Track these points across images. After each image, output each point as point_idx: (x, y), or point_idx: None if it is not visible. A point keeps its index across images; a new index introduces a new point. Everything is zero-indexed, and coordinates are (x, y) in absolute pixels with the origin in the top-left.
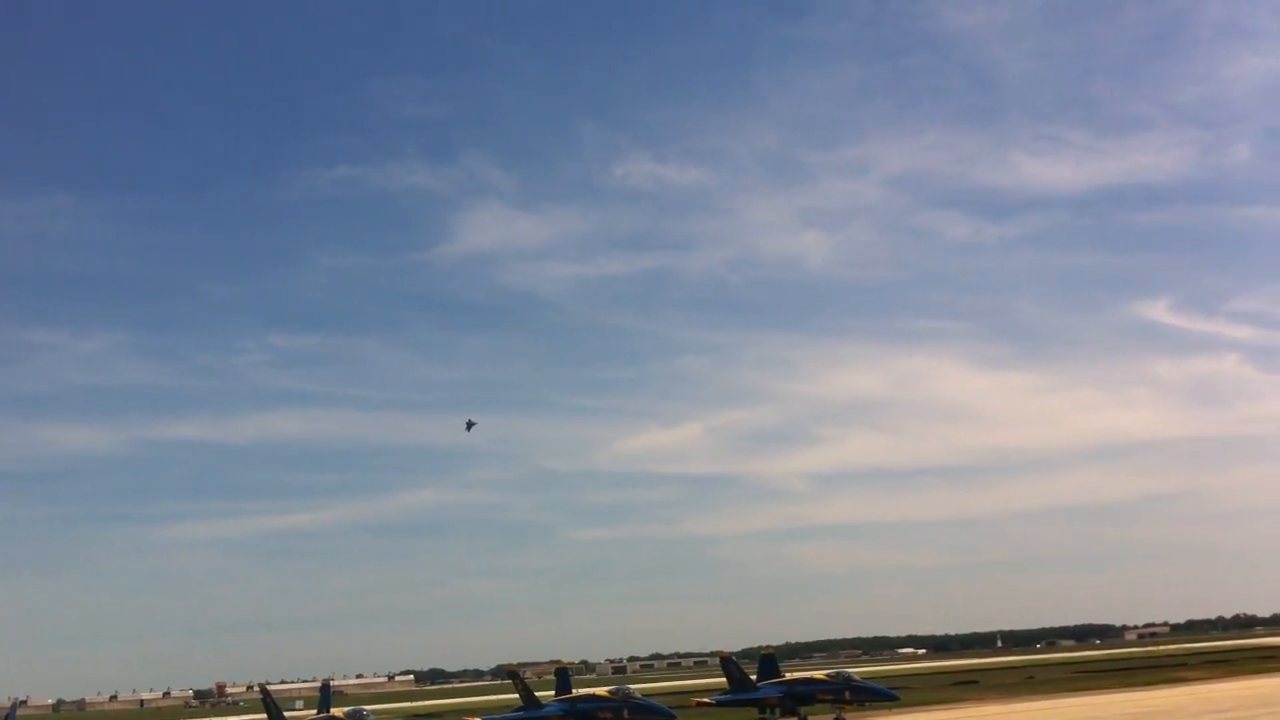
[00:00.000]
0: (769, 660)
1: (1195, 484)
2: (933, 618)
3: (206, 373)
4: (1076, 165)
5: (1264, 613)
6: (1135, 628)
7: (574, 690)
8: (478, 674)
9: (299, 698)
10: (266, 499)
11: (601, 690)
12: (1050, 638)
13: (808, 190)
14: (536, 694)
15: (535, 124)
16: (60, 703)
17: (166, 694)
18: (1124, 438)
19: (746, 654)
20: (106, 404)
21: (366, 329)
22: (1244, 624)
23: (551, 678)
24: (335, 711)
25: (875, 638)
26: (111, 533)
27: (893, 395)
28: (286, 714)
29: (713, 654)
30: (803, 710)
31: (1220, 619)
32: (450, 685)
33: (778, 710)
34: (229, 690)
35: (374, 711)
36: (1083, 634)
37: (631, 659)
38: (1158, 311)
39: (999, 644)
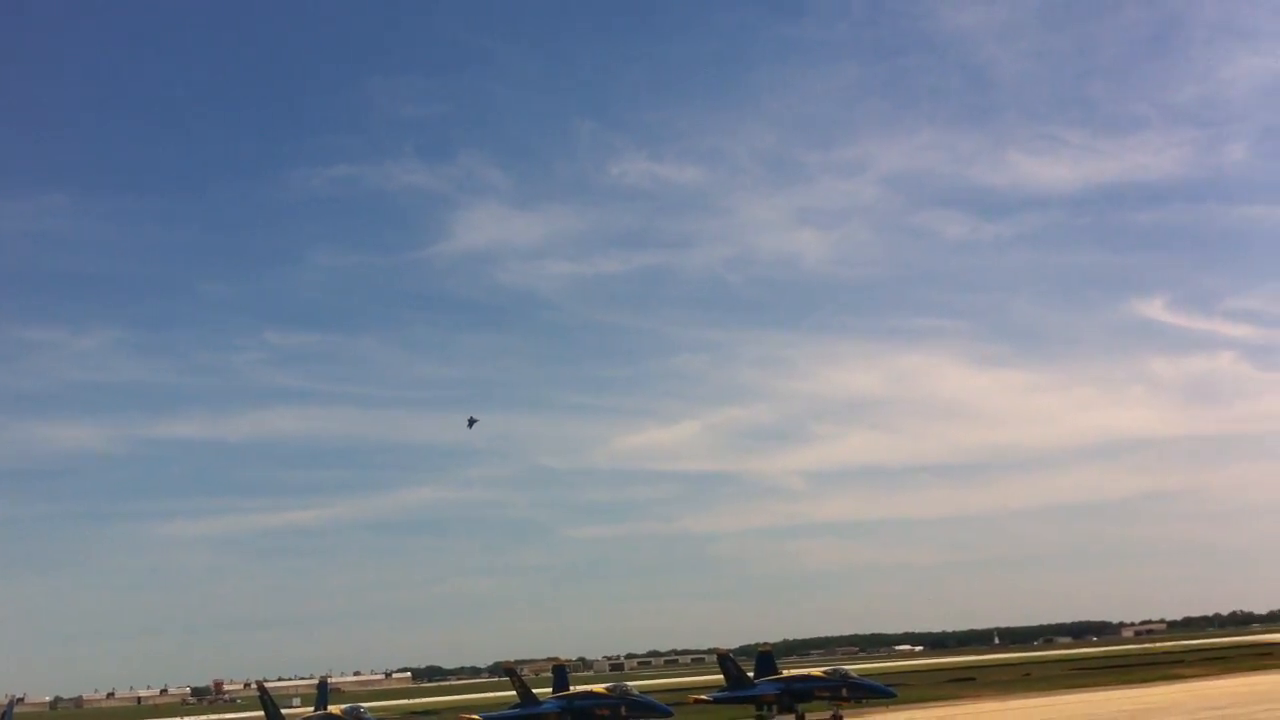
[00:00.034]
0: (766, 657)
1: (1192, 482)
2: (930, 615)
3: (204, 371)
4: (1073, 165)
5: (1261, 610)
6: (1132, 625)
7: (571, 688)
8: (475, 671)
9: (296, 695)
10: (264, 497)
11: (599, 687)
12: (1047, 635)
13: (805, 189)
14: (534, 691)
15: (533, 123)
16: (57, 700)
17: (164, 691)
18: (1121, 436)
19: (744, 651)
20: (104, 402)
21: (364, 327)
22: (1241, 621)
23: (549, 675)
24: (333, 709)
25: (872, 635)
26: (109, 530)
27: (890, 393)
28: (284, 711)
29: (710, 651)
30: (800, 707)
31: (1217, 616)
32: (448, 683)
33: (775, 707)
34: (226, 688)
35: (371, 709)
36: (1080, 631)
37: (629, 656)
38: (1154, 310)
39: (996, 641)
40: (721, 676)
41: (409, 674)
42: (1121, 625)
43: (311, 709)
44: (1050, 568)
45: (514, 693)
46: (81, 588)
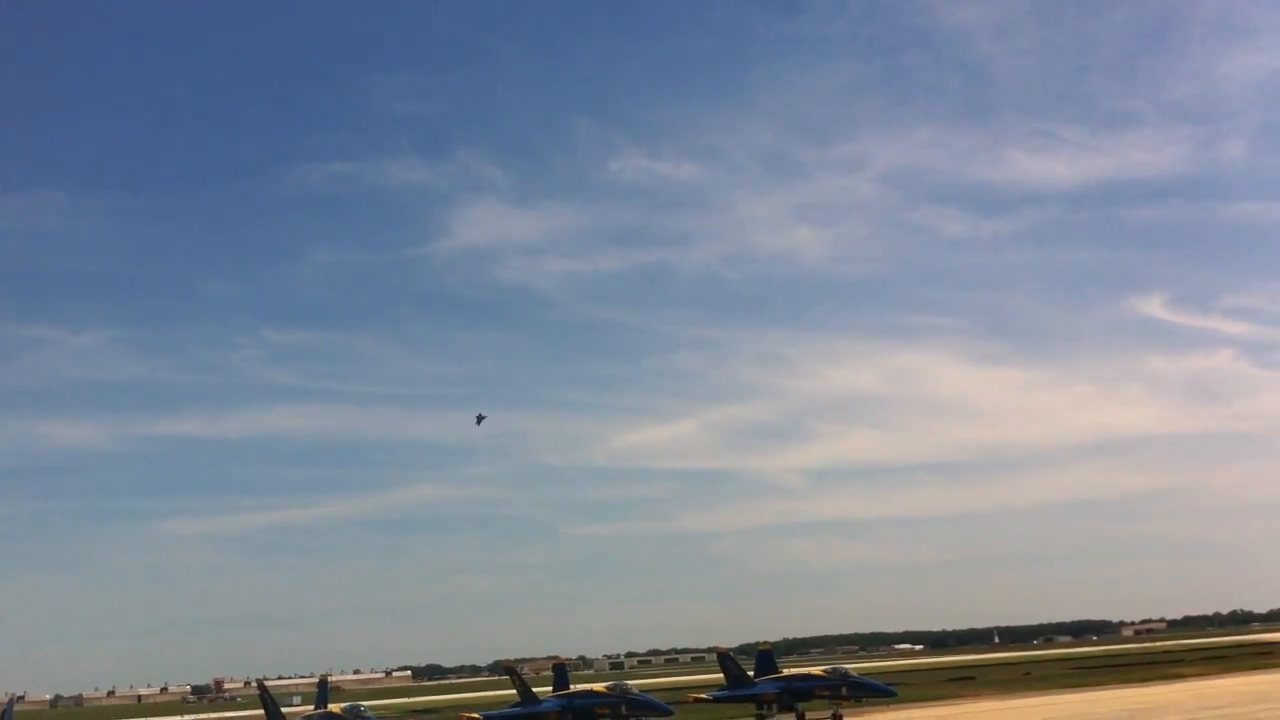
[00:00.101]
0: (766, 656)
1: (1191, 480)
2: (930, 614)
3: (203, 368)
4: (1071, 161)
5: (1260, 609)
6: (1132, 624)
7: (571, 686)
8: (475, 670)
9: (296, 693)
10: (263, 494)
11: (599, 686)
12: (1047, 634)
13: (803, 186)
14: (534, 690)
15: (531, 121)
16: (58, 698)
17: (164, 690)
18: (1120, 434)
19: (744, 650)
20: (103, 400)
21: (363, 325)
22: (1241, 620)
23: (549, 674)
24: (333, 707)
25: (872, 634)
26: (109, 528)
27: (889, 391)
28: (284, 710)
29: (710, 650)
30: (800, 706)
31: (1217, 615)
32: (448, 681)
33: (775, 706)
34: (226, 686)
35: (371, 707)
36: (1079, 630)
37: (629, 655)
38: (1153, 307)
39: (996, 640)
40: (721, 675)
41: (409, 672)
42: (1121, 624)
43: (312, 707)
44: (1050, 566)
45: (514, 691)
46: (81, 586)
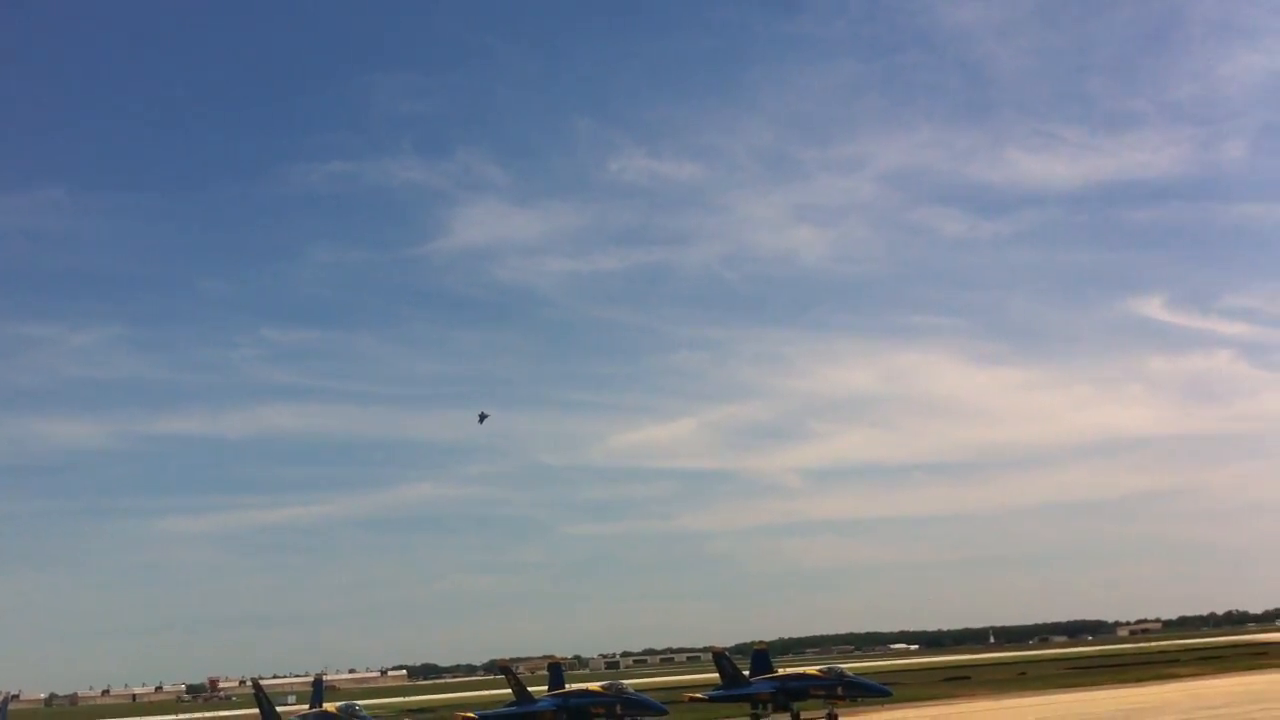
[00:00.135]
0: (762, 656)
1: (1189, 480)
2: (926, 613)
3: (202, 367)
4: (1071, 162)
5: (1256, 609)
6: (1128, 624)
7: (567, 685)
8: (470, 669)
9: (292, 693)
10: (261, 493)
11: (594, 685)
12: (1042, 634)
13: (802, 186)
14: (530, 689)
15: (531, 120)
16: (52, 697)
17: (159, 689)
18: (1118, 434)
19: (740, 649)
20: (102, 398)
21: (363, 324)
22: (1236, 620)
23: (545, 673)
24: (328, 706)
25: (868, 633)
26: (106, 527)
27: (887, 391)
28: (279, 709)
29: (706, 649)
30: (795, 706)
31: (1212, 615)
32: (443, 680)
33: (770, 706)
34: (221, 685)
35: (367, 706)
36: (1075, 630)
37: (625, 654)
38: (1152, 308)
39: (991, 640)
40: (717, 675)
41: (404, 672)
42: (1117, 624)
43: (307, 706)
44: (1046, 566)
45: (509, 690)
46: (78, 584)
